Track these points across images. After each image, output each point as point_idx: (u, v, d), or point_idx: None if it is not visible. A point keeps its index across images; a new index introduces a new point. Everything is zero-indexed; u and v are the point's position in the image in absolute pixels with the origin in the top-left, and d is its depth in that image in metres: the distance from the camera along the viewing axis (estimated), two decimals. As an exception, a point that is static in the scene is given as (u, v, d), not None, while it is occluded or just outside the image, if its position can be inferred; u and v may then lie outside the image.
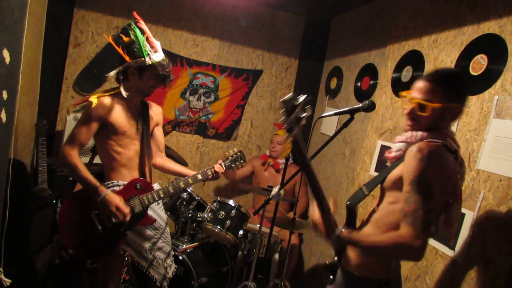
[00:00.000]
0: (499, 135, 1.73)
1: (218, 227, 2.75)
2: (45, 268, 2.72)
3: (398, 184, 1.35)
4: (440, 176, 1.26)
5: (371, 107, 1.63)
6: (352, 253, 1.48)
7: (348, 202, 1.51)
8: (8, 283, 1.68)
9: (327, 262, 1.56)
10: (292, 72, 3.93)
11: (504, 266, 1.58)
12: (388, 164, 1.52)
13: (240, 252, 2.88)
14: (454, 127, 2.00)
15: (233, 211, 2.80)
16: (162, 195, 2.08)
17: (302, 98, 1.19)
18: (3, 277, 1.66)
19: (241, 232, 2.83)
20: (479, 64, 1.92)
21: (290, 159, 2.58)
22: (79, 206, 2.00)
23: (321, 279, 3.17)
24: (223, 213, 2.80)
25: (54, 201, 2.76)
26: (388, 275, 1.43)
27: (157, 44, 2.02)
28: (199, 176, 2.16)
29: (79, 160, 1.95)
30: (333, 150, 3.27)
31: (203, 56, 3.61)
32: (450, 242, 1.68)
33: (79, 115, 3.12)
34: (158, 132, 2.30)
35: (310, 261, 3.43)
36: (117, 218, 1.94)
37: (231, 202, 2.87)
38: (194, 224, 3.02)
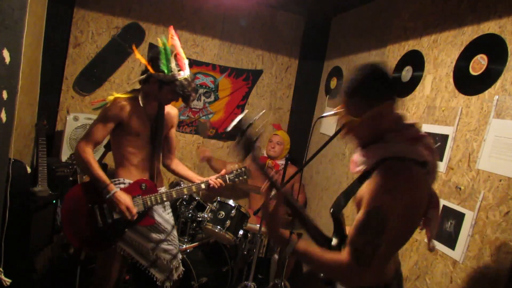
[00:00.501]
0: (499, 135, 1.73)
1: (218, 227, 2.75)
2: (45, 268, 2.72)
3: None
4: (403, 210, 1.15)
5: (371, 107, 1.62)
6: None
7: (331, 209, 1.43)
8: (8, 283, 1.68)
9: (321, 274, 1.48)
10: (292, 72, 3.93)
11: (504, 267, 1.58)
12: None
13: (240, 252, 2.88)
14: (454, 127, 2.00)
15: (233, 211, 2.80)
16: (165, 199, 2.12)
17: (244, 120, 1.19)
18: (3, 277, 1.66)
19: (241, 232, 2.83)
20: (479, 64, 1.92)
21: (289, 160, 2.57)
22: (83, 197, 2.04)
23: (321, 279, 3.17)
24: (223, 213, 2.80)
25: (54, 201, 2.76)
26: (386, 280, 1.35)
27: (185, 62, 2.05)
28: (203, 186, 2.20)
29: (92, 157, 2.00)
30: (333, 150, 3.27)
31: (203, 56, 3.61)
32: (428, 245, 1.52)
33: (79, 115, 3.13)
34: (172, 134, 2.34)
35: (310, 261, 3.42)
36: (125, 217, 1.97)
37: (231, 202, 2.87)
38: (194, 224, 3.02)
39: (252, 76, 3.78)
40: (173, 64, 1.99)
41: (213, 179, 2.21)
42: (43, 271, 2.70)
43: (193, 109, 3.67)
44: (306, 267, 1.35)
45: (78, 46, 3.26)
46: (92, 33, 3.27)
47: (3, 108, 1.40)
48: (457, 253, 1.82)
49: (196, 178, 2.28)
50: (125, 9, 3.32)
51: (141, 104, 2.05)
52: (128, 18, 3.34)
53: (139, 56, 2.11)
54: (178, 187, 2.17)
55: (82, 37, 3.26)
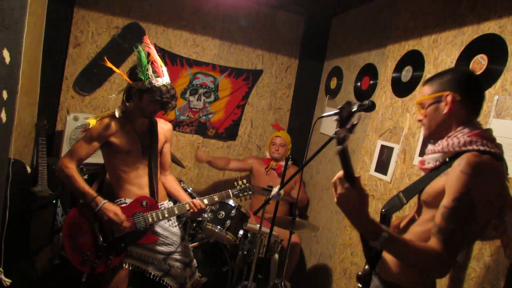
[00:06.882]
0: (499, 135, 1.73)
1: (218, 227, 2.75)
2: (45, 268, 2.72)
3: (439, 199, 1.23)
4: (489, 197, 1.16)
5: (371, 107, 1.62)
6: (391, 261, 1.36)
7: (383, 210, 1.43)
8: (8, 283, 1.68)
9: (359, 273, 1.42)
10: (292, 72, 3.93)
11: (504, 266, 1.58)
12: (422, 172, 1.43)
13: (240, 252, 2.88)
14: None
15: (233, 211, 2.80)
16: (166, 215, 2.11)
17: (356, 106, 1.11)
18: (3, 277, 1.66)
19: (241, 232, 2.83)
20: (479, 64, 1.92)
21: (290, 160, 2.57)
22: (82, 217, 2.03)
23: (322, 279, 3.17)
24: (223, 213, 2.80)
25: (54, 201, 2.76)
26: (431, 283, 1.37)
27: (163, 70, 2.04)
28: (206, 201, 2.20)
29: (76, 172, 1.99)
30: (333, 150, 3.25)
31: (203, 56, 3.61)
32: (505, 252, 1.51)
33: (79, 115, 3.13)
34: (166, 149, 2.33)
35: (310, 261, 3.43)
36: (116, 224, 1.97)
37: (231, 202, 2.87)
38: (194, 224, 3.02)
39: (252, 76, 3.78)
40: (149, 72, 1.98)
41: (194, 202, 2.16)
42: (43, 271, 2.70)
43: (193, 109, 3.67)
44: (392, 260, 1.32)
45: (78, 46, 3.26)
46: (92, 33, 3.28)
47: (3, 108, 1.40)
48: (457, 253, 1.82)
49: (186, 198, 2.25)
50: (125, 9, 3.33)
51: (116, 115, 2.03)
52: (128, 18, 3.34)
53: (117, 70, 2.13)
54: (180, 203, 2.16)
55: (82, 37, 3.26)
